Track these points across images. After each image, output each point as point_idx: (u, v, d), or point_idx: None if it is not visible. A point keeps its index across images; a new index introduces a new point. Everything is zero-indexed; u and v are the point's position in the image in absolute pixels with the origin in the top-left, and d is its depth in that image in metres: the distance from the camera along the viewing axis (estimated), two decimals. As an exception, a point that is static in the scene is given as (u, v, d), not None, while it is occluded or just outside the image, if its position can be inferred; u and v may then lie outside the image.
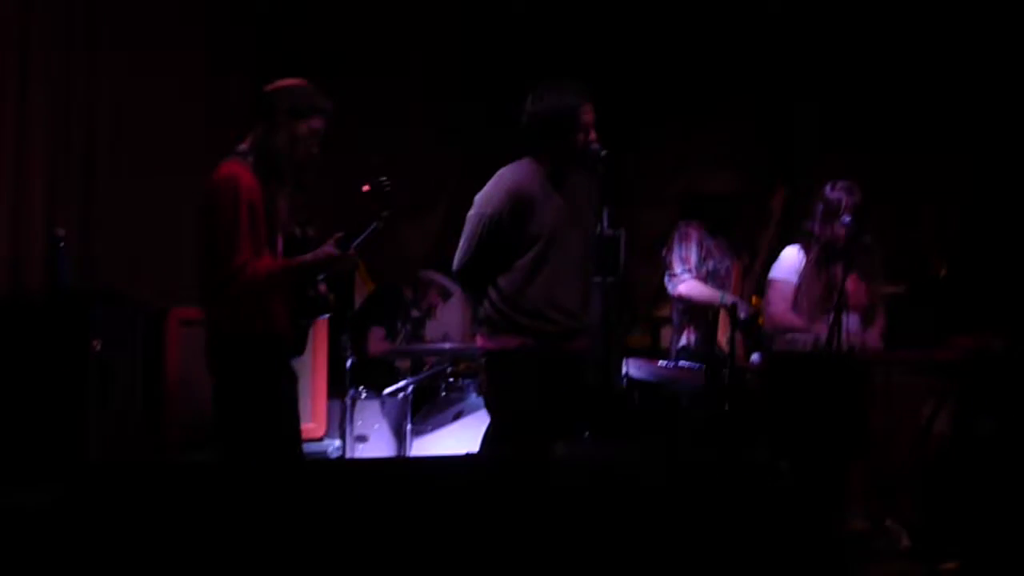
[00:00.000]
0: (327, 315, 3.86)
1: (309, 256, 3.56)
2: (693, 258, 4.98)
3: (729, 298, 4.87)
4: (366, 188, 3.64)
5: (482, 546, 2.71)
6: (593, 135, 3.91)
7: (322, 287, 3.75)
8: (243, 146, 3.57)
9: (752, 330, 4.80)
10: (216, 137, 5.04)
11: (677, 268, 4.96)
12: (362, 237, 3.64)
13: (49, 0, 4.69)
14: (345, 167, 5.92)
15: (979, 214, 6.04)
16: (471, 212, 4.01)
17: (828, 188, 4.56)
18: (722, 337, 4.95)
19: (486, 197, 3.98)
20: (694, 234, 5.01)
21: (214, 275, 3.47)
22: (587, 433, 4.96)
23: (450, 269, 6.11)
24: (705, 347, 4.96)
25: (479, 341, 4.09)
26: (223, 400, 3.55)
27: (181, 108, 5.30)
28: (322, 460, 4.67)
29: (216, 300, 3.53)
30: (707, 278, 5.00)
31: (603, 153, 3.85)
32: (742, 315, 4.74)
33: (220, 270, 3.44)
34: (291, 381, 3.68)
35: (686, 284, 4.93)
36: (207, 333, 3.60)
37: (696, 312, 5.00)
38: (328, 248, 3.54)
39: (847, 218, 4.43)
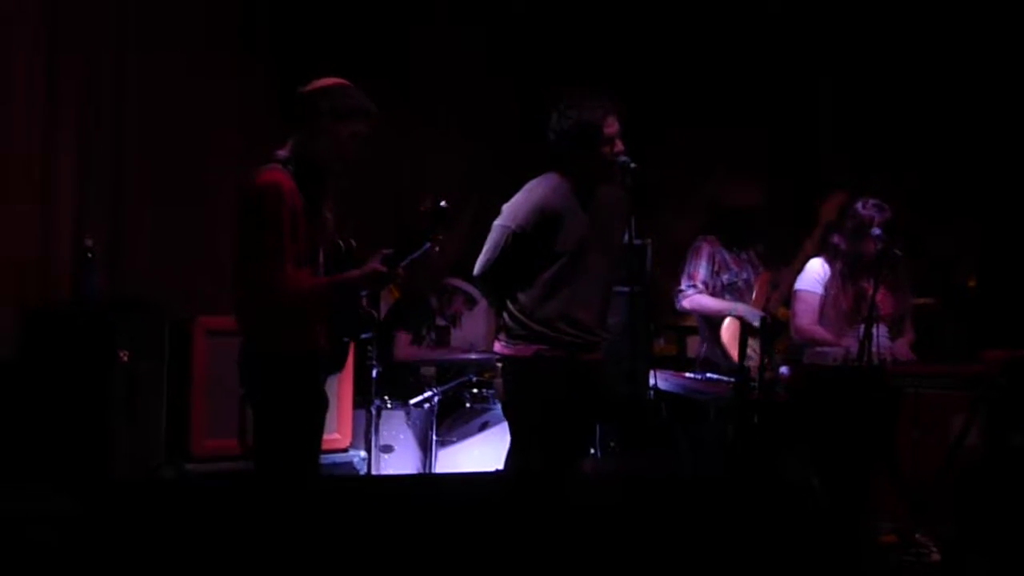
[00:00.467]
0: (370, 333, 3.72)
1: (356, 272, 3.39)
2: (701, 273, 5.07)
3: (740, 308, 4.91)
4: (427, 204, 3.45)
5: (503, 563, 2.70)
6: (620, 146, 3.89)
7: (364, 302, 3.62)
8: (282, 152, 3.36)
9: (767, 338, 4.81)
10: (248, 146, 5.07)
11: (682, 284, 5.08)
12: (412, 256, 3.45)
13: (77, 9, 4.70)
14: (371, 170, 5.96)
15: (1008, 226, 5.98)
16: (497, 222, 4.00)
17: (860, 205, 4.56)
18: (732, 348, 5.01)
19: (514, 210, 3.97)
20: (706, 248, 5.09)
21: (253, 288, 3.30)
22: (614, 444, 4.98)
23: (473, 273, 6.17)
24: (724, 359, 5.00)
25: (496, 346, 4.10)
26: (256, 418, 3.43)
27: (212, 116, 5.29)
28: (345, 477, 4.65)
29: (253, 314, 3.37)
30: (722, 291, 5.06)
31: (632, 165, 3.83)
32: (754, 323, 4.75)
33: (260, 283, 3.27)
34: (323, 404, 3.52)
35: (689, 299, 5.04)
36: (241, 347, 3.41)
37: (714, 324, 5.06)
38: (375, 265, 3.36)
39: (878, 231, 4.39)
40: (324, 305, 3.41)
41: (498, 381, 4.14)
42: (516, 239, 3.92)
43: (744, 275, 5.11)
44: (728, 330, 5.17)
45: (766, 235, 5.26)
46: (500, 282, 4.00)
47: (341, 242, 3.53)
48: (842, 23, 6.21)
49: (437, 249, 3.49)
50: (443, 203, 3.45)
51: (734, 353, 4.93)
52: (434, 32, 6.26)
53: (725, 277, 5.10)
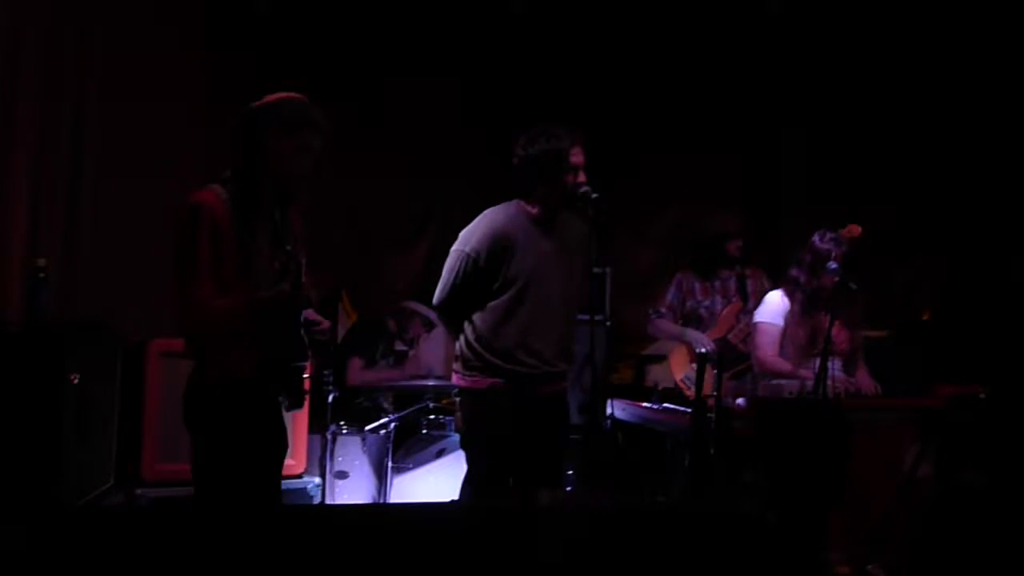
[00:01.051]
0: (326, 348, 3.60)
1: (267, 293, 3.19)
2: (668, 299, 5.43)
3: (689, 335, 5.28)
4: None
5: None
6: (582, 177, 3.91)
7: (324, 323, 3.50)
8: (225, 173, 3.27)
9: (710, 367, 4.91)
10: (211, 167, 5.02)
11: (651, 309, 5.46)
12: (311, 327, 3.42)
13: (37, 25, 4.64)
14: (326, 195, 5.93)
15: (964, 260, 6.08)
16: (454, 247, 4.01)
17: (817, 238, 4.61)
18: (676, 371, 5.19)
19: (468, 235, 3.99)
20: (678, 277, 5.43)
21: (179, 309, 3.19)
22: (571, 474, 4.96)
23: (429, 298, 6.16)
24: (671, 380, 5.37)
25: (453, 377, 4.10)
26: (199, 448, 3.27)
27: (171, 138, 5.27)
28: (297, 507, 4.59)
29: (191, 344, 3.27)
30: (686, 319, 5.37)
31: (593, 196, 3.84)
32: (699, 350, 4.98)
33: (180, 304, 3.16)
34: (268, 435, 3.34)
35: (652, 324, 5.44)
36: (190, 376, 3.30)
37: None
38: (284, 286, 3.17)
39: (834, 264, 4.44)
40: (247, 328, 3.20)
41: (458, 413, 4.12)
42: (470, 263, 3.93)
43: (707, 303, 5.32)
44: (675, 355, 5.34)
45: (734, 262, 5.38)
46: (458, 309, 4.00)
47: (290, 258, 3.29)
48: (811, 62, 6.30)
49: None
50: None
51: (677, 376, 5.18)
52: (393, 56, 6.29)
53: (689, 304, 5.38)
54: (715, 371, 5.04)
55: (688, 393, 5.23)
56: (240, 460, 3.24)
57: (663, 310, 5.41)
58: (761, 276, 5.35)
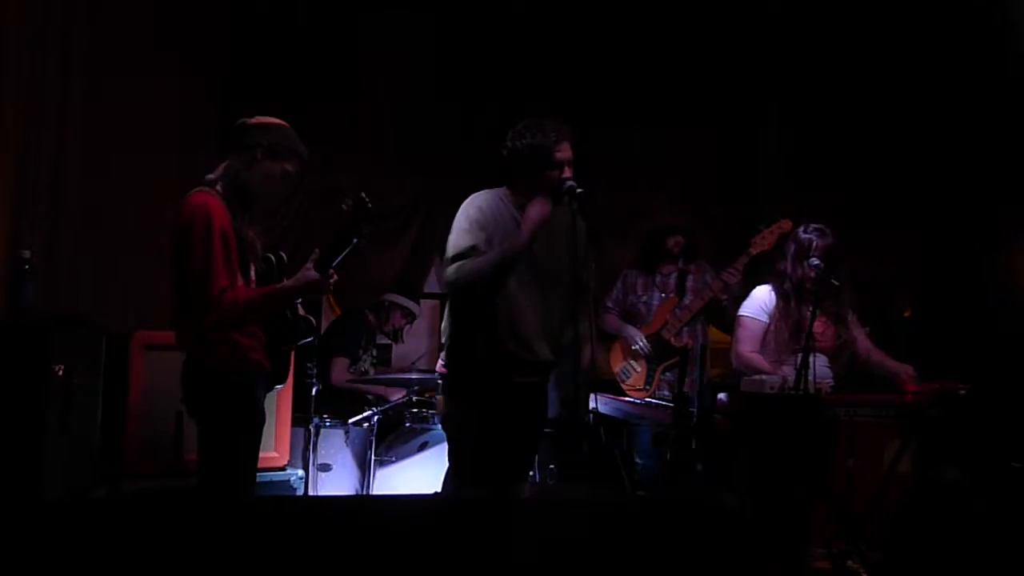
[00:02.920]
0: (310, 338, 3.78)
1: (290, 281, 3.52)
2: (614, 294, 5.55)
3: (625, 331, 5.41)
4: (347, 205, 3.56)
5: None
6: (569, 172, 3.93)
7: (300, 310, 3.70)
8: (212, 176, 3.53)
9: (648, 359, 5.26)
10: (187, 164, 5.04)
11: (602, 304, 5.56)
12: (342, 255, 3.55)
13: (21, 25, 4.63)
14: (317, 191, 5.94)
15: (945, 258, 6.12)
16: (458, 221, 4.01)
17: (801, 230, 4.63)
18: (614, 363, 5.28)
19: (460, 214, 4.02)
20: (624, 272, 5.57)
21: (191, 306, 3.40)
22: (553, 467, 4.99)
23: (409, 291, 6.18)
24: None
25: (438, 366, 4.13)
26: (199, 431, 3.49)
27: (152, 134, 5.27)
28: (284, 497, 4.60)
29: (194, 333, 3.45)
30: (626, 314, 5.50)
31: (578, 190, 3.85)
32: (632, 346, 5.28)
33: (198, 301, 3.36)
34: (262, 421, 3.58)
35: (601, 318, 5.50)
36: (185, 364, 3.51)
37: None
38: (308, 271, 3.48)
39: (815, 260, 4.47)
40: (262, 316, 3.51)
41: (440, 397, 4.15)
42: (474, 219, 3.93)
43: (645, 298, 5.40)
44: (614, 349, 5.44)
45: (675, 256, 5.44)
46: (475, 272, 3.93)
47: (272, 256, 3.67)
48: (790, 55, 6.33)
49: (363, 243, 3.57)
50: (364, 196, 3.55)
51: (614, 369, 5.47)
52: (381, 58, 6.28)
53: (630, 299, 5.51)
54: (648, 366, 5.21)
55: (624, 386, 5.31)
56: (242, 442, 3.46)
57: (609, 304, 5.54)
58: (705, 270, 5.38)
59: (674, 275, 5.44)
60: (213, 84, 5.58)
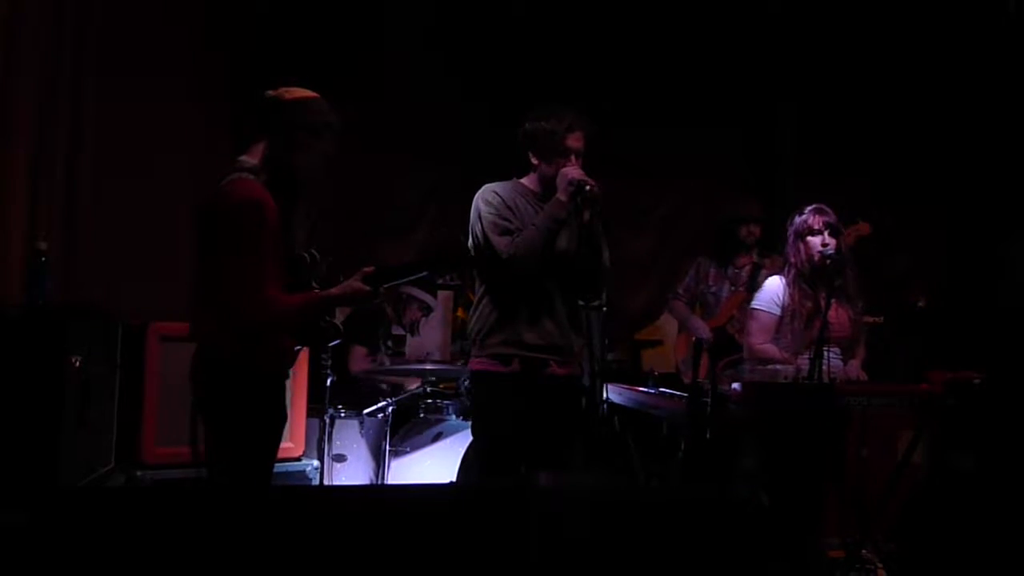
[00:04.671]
0: (337, 342, 3.59)
1: (336, 290, 3.29)
2: (686, 281, 5.50)
3: (691, 322, 5.39)
4: (442, 242, 3.43)
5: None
6: (576, 162, 3.91)
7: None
8: (252, 161, 3.24)
9: (711, 354, 5.20)
10: (202, 159, 5.05)
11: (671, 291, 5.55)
12: (404, 280, 3.44)
13: (36, 16, 4.65)
14: (325, 183, 5.94)
15: (960, 247, 6.09)
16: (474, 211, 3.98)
17: (796, 214, 4.57)
18: (678, 357, 5.24)
19: (477, 200, 3.99)
20: (697, 260, 5.51)
21: (230, 309, 3.15)
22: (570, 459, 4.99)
23: (428, 285, 6.19)
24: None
25: (471, 362, 4.08)
26: (215, 431, 3.29)
27: (168, 124, 5.27)
28: (300, 487, 4.62)
29: (224, 331, 3.21)
30: (695, 303, 5.48)
31: (587, 187, 3.82)
32: (695, 337, 5.25)
33: (238, 306, 3.13)
34: (280, 422, 3.45)
35: (668, 305, 5.55)
36: (202, 360, 3.29)
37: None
38: (357, 284, 3.28)
39: (821, 237, 4.43)
40: (303, 322, 3.31)
41: (467, 396, 4.09)
42: (492, 204, 3.91)
43: (715, 289, 5.34)
44: (680, 339, 5.40)
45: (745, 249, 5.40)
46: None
47: (306, 254, 3.43)
48: (810, 49, 6.31)
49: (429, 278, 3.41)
50: (467, 251, 3.46)
51: (677, 359, 5.53)
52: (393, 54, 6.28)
53: (701, 288, 5.45)
54: (708, 359, 5.15)
55: (684, 377, 5.28)
56: (256, 442, 3.30)
57: (680, 291, 5.50)
58: (780, 265, 5.30)
59: (747, 268, 5.37)
60: (228, 79, 5.59)
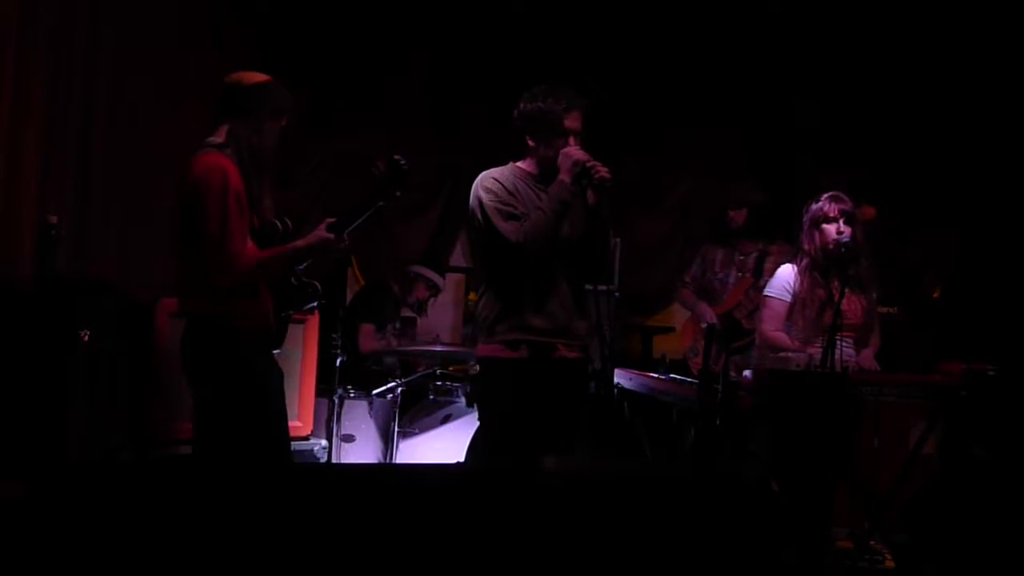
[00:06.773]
0: (315, 303, 3.75)
1: (301, 241, 3.50)
2: (692, 269, 5.51)
3: (699, 308, 5.40)
4: (381, 166, 3.48)
5: (468, 557, 2.70)
6: (575, 143, 3.85)
7: (303, 275, 3.68)
8: (218, 139, 3.47)
9: (718, 342, 5.11)
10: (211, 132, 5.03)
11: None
12: (363, 218, 3.51)
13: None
14: (344, 160, 5.94)
15: (975, 238, 6.05)
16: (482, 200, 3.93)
17: (812, 202, 4.53)
18: (685, 343, 5.23)
19: (475, 188, 3.94)
20: (704, 247, 5.52)
21: (207, 269, 3.36)
22: (579, 444, 4.98)
23: (434, 264, 6.18)
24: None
25: (479, 348, 4.04)
26: (212, 397, 3.44)
27: (179, 102, 5.26)
28: (310, 464, 4.62)
29: (205, 294, 3.41)
30: (702, 290, 5.46)
31: (596, 173, 3.77)
32: (702, 324, 5.22)
33: (214, 263, 3.34)
34: (279, 377, 3.58)
35: (677, 292, 5.57)
36: (191, 329, 3.48)
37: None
38: (321, 232, 3.48)
39: (836, 225, 4.40)
40: (273, 277, 3.52)
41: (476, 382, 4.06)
42: (495, 194, 3.86)
43: (721, 275, 5.34)
44: (687, 326, 5.38)
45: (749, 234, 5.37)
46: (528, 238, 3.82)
47: (278, 222, 3.62)
48: (822, 28, 6.25)
49: (384, 208, 3.52)
50: (399, 159, 3.49)
51: (685, 346, 5.52)
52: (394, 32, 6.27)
53: (709, 275, 5.46)
54: (716, 345, 5.12)
55: (692, 364, 5.27)
56: (251, 407, 3.42)
57: (687, 280, 5.51)
58: (787, 252, 5.23)
59: (754, 255, 5.36)
60: (247, 54, 5.55)
